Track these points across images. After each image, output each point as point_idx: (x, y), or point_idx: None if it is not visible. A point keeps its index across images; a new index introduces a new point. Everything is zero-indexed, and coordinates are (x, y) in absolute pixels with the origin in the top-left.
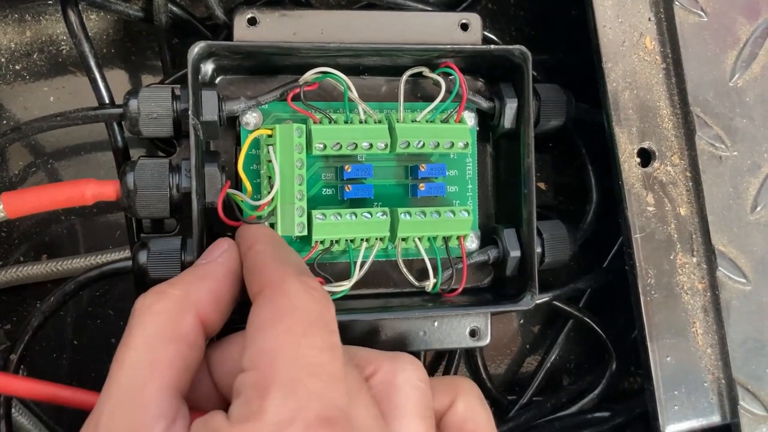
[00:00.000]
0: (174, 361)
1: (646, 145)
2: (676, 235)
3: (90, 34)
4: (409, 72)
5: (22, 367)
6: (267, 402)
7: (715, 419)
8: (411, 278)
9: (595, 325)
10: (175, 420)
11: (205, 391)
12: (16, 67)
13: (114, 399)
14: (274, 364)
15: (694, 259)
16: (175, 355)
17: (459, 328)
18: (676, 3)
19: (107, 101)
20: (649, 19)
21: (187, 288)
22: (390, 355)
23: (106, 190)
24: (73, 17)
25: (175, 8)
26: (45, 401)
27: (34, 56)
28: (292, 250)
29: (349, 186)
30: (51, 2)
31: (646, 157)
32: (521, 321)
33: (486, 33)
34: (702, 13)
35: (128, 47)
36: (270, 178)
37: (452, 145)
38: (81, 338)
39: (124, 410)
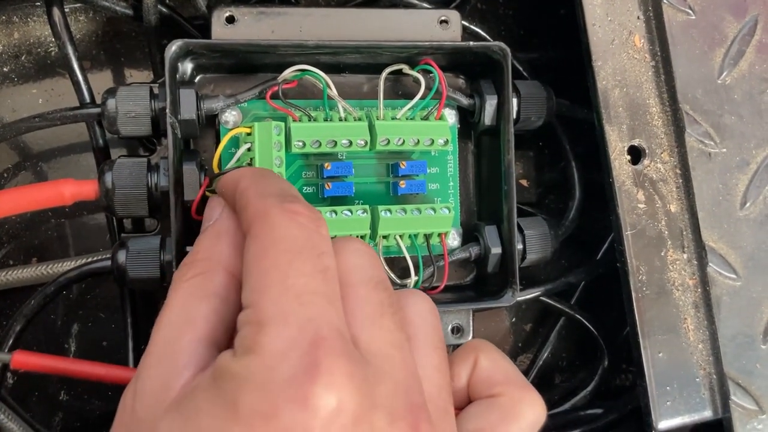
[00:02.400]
0: (208, 316)
1: (636, 142)
2: (666, 232)
3: (79, 35)
4: (388, 69)
5: (9, 373)
6: (262, 336)
7: (707, 414)
8: (393, 276)
9: (586, 322)
10: (205, 369)
11: None
12: (4, 69)
13: (150, 354)
14: (265, 298)
15: (685, 256)
16: (209, 310)
17: (441, 326)
18: (665, 1)
19: (89, 102)
20: (638, 18)
21: (209, 250)
22: (399, 291)
23: (85, 189)
24: (57, 17)
25: (163, 9)
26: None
27: (23, 58)
28: (276, 177)
29: (329, 184)
30: (39, 3)
31: (636, 154)
32: (513, 319)
33: (473, 27)
34: (690, 11)
35: (117, 48)
36: None
37: (432, 142)
38: (72, 341)
39: (158, 361)
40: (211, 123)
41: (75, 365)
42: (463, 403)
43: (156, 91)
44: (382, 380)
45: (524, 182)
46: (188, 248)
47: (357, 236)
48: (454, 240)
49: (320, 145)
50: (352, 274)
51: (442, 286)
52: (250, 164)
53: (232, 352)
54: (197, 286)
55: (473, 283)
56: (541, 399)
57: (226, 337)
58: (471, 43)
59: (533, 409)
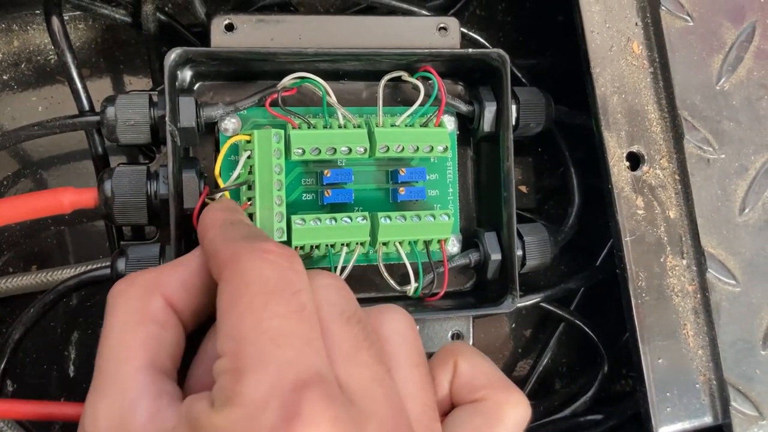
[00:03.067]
0: (147, 342)
1: (635, 148)
2: (665, 238)
3: (78, 43)
4: (387, 76)
5: (8, 381)
6: (241, 385)
7: (707, 420)
8: (392, 283)
9: (586, 328)
10: (160, 396)
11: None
12: (4, 77)
13: (95, 390)
14: (241, 345)
15: (684, 262)
16: (146, 336)
17: (441, 332)
18: (663, 8)
19: (88, 110)
20: (636, 24)
21: (158, 273)
22: (375, 307)
23: (84, 198)
24: (56, 25)
25: (162, 17)
26: (35, 419)
27: (22, 66)
28: (243, 223)
29: (328, 191)
30: (38, 12)
31: (635, 160)
32: (513, 325)
33: (472, 34)
34: (688, 18)
35: (117, 56)
36: (250, 184)
37: (432, 149)
38: (72, 348)
39: (105, 396)
40: (210, 130)
41: (39, 408)
42: (447, 409)
43: (155, 99)
44: (367, 419)
45: (523, 188)
46: None
47: (356, 243)
48: (453, 246)
49: (320, 152)
50: (323, 310)
51: (442, 293)
52: (250, 172)
53: (209, 402)
54: (133, 309)
55: (473, 290)
56: (525, 398)
57: (172, 363)
58: (470, 50)
59: (517, 410)
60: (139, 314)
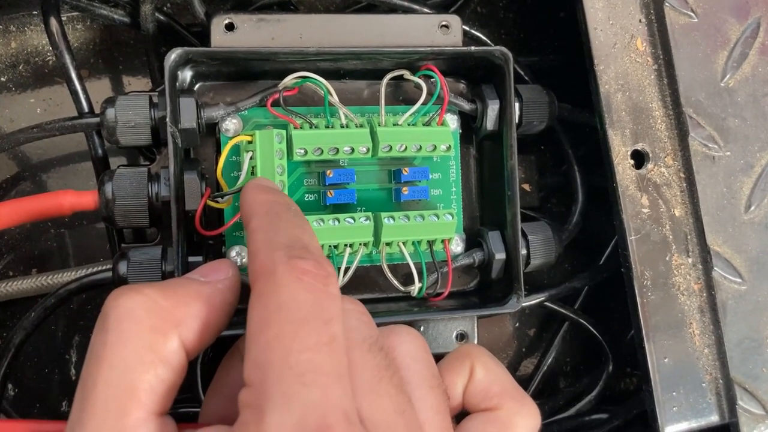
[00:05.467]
0: (155, 387)
1: (639, 146)
2: (671, 236)
3: (77, 44)
4: (389, 75)
5: (10, 385)
6: (264, 424)
7: (714, 419)
8: (396, 283)
9: (590, 327)
10: None
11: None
12: (2, 78)
13: (84, 428)
14: (267, 378)
15: (690, 260)
16: (156, 381)
17: (446, 333)
18: (666, 4)
19: (87, 111)
20: (640, 21)
21: (175, 303)
22: (386, 329)
23: (84, 200)
24: (54, 26)
25: (161, 17)
26: None
27: (20, 67)
28: (289, 220)
29: (331, 191)
30: (36, 13)
31: (639, 158)
32: (516, 324)
33: (473, 31)
34: (692, 14)
35: (116, 57)
36: None
37: (435, 148)
38: (73, 352)
39: None
40: (210, 131)
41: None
42: (458, 411)
43: (155, 99)
44: None
45: (526, 186)
46: (190, 258)
47: (360, 243)
48: (457, 246)
49: (322, 152)
50: (346, 336)
51: (446, 293)
52: (253, 173)
53: None
54: (144, 348)
55: (477, 289)
56: (536, 408)
57: (170, 403)
58: (472, 48)
59: (529, 420)
60: (151, 353)
